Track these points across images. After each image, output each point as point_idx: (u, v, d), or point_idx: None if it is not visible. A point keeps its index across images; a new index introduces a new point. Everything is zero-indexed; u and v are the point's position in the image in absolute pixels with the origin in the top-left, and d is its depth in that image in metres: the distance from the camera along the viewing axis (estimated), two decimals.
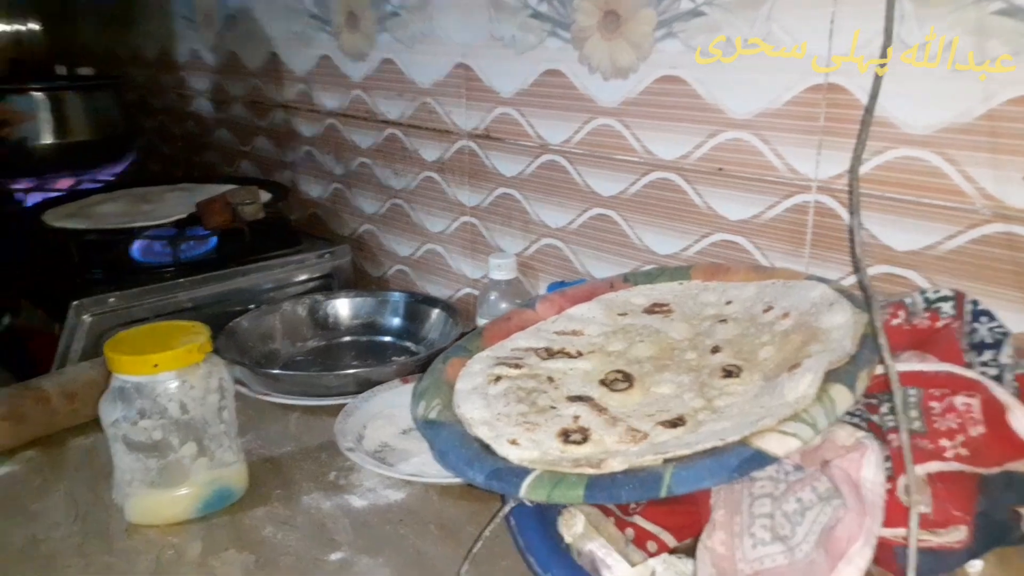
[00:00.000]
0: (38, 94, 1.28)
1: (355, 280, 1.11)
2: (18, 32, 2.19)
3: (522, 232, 0.91)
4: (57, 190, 1.30)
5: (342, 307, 1.04)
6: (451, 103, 0.94)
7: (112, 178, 1.36)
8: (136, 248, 0.99)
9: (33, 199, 1.27)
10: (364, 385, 0.84)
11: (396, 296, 1.03)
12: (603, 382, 0.51)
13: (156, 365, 0.61)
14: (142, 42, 1.59)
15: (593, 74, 0.78)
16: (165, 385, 0.62)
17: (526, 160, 0.87)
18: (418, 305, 1.02)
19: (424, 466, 0.73)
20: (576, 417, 0.47)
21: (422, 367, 0.90)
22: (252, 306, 1.00)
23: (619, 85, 0.76)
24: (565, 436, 0.44)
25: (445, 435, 0.47)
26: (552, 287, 0.85)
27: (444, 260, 1.04)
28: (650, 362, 0.54)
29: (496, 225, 0.94)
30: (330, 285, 1.09)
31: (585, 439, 0.44)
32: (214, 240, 1.03)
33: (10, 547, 0.62)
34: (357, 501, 0.67)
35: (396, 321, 1.03)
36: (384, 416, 0.81)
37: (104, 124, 1.31)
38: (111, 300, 0.90)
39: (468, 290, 1.02)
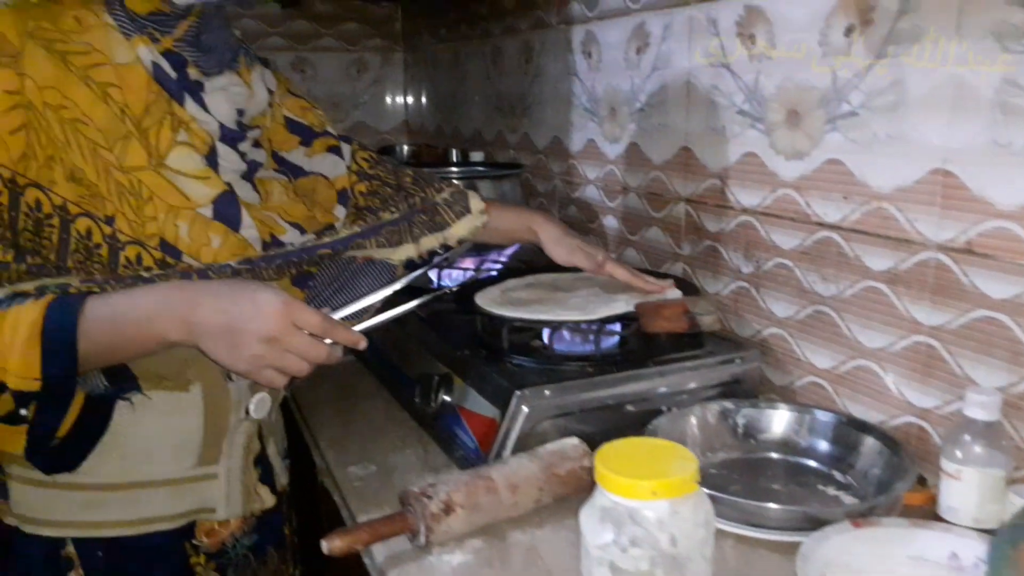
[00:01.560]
0: (456, 182, 1.39)
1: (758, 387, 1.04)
2: (407, 105, 2.48)
3: (1008, 365, 0.77)
4: (463, 268, 1.40)
5: (758, 418, 0.97)
6: (917, 211, 0.84)
7: (506, 259, 1.44)
8: (559, 338, 1.01)
9: (446, 277, 1.38)
10: (810, 522, 0.76)
11: (822, 415, 0.93)
12: None
13: (655, 492, 0.58)
14: (533, 129, 1.69)
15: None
16: (658, 513, 0.59)
17: None
18: (848, 428, 0.92)
19: None
20: None
21: (871, 510, 0.80)
22: (664, 408, 0.97)
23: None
24: None
25: None
26: None
27: (879, 380, 0.92)
28: None
29: (967, 352, 0.81)
30: (734, 391, 1.03)
31: None
32: (619, 337, 1.02)
33: None
34: None
35: (819, 443, 0.93)
36: (840, 565, 0.71)
37: None
38: (546, 392, 0.91)
39: (910, 419, 0.89)
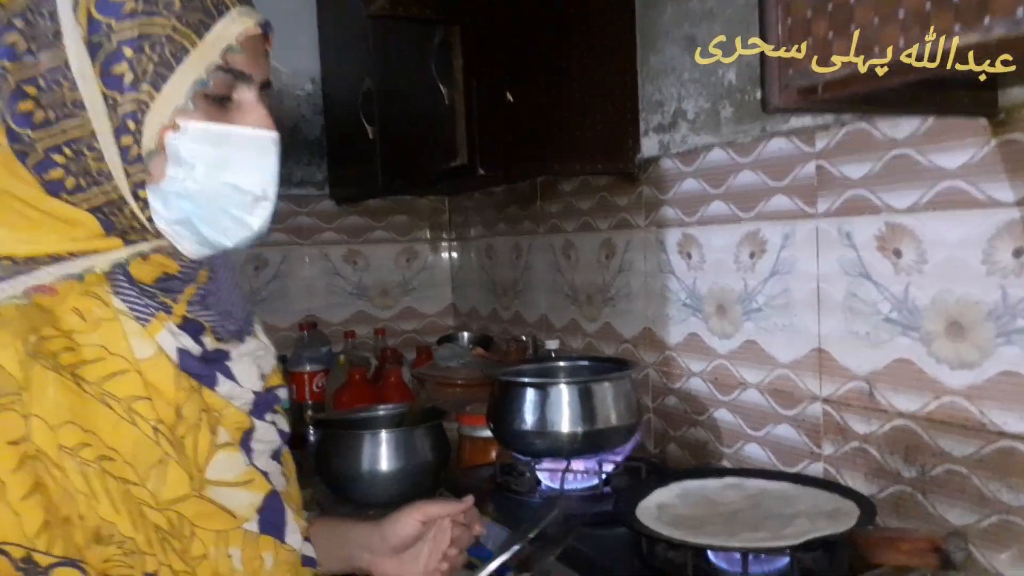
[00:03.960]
0: (565, 386, 1.39)
1: None
2: (453, 290, 2.51)
3: None
4: (578, 471, 1.38)
5: None
6: None
7: (622, 458, 1.42)
8: (754, 565, 0.98)
9: (569, 483, 1.34)
10: None
11: None
12: None
13: None
14: (618, 319, 1.72)
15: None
16: None
17: None
18: None
19: None
20: None
21: None
22: None
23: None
24: None
25: None
26: None
27: None
28: None
29: None
30: None
31: None
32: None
33: None
34: None
35: None
36: None
37: (624, 409, 1.39)
38: None
39: None
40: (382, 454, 1.57)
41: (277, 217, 0.72)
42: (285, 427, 0.80)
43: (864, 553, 0.89)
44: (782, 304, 1.29)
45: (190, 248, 0.69)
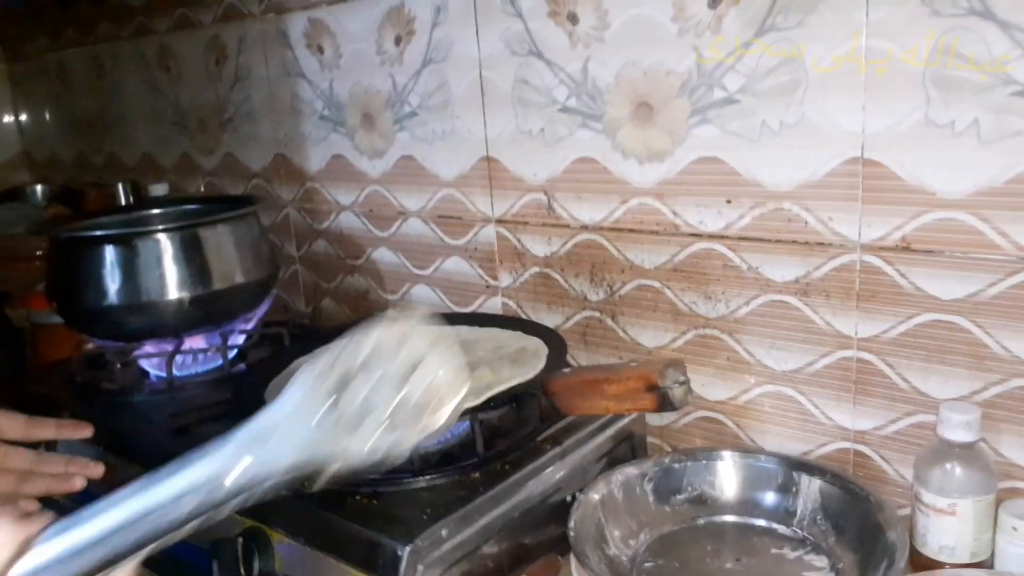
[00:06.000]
0: (163, 235, 0.99)
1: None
2: (21, 132, 1.89)
3: (969, 371, 0.69)
4: (199, 350, 1.02)
5: (666, 479, 0.79)
6: (832, 208, 0.72)
7: (253, 325, 1.08)
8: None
9: (180, 367, 0.98)
10: None
11: (735, 458, 0.78)
12: None
13: None
14: (240, 148, 1.32)
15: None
16: None
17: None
18: (775, 468, 0.78)
19: None
20: None
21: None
22: (567, 497, 0.75)
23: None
24: None
25: None
26: None
27: (797, 406, 0.80)
28: None
29: (915, 362, 0.71)
30: (624, 450, 0.84)
31: None
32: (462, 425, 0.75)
33: None
34: None
35: (746, 493, 0.78)
36: None
37: (252, 261, 1.04)
38: (443, 533, 0.63)
39: (843, 444, 0.78)
40: None
41: None
42: None
43: (563, 403, 0.68)
44: (440, 103, 1.00)
45: None
